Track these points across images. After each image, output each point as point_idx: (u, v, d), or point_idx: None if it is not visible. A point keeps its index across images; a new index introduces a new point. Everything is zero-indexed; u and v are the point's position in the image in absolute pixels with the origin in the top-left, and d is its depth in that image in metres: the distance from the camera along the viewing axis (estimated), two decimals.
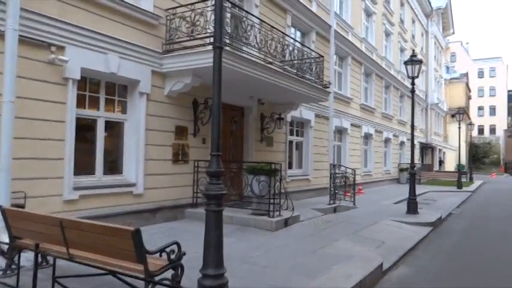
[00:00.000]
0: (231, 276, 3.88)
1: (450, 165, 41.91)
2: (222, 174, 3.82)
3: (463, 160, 31.76)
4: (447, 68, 48.99)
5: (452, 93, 48.70)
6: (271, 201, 7.72)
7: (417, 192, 11.36)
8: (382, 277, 5.53)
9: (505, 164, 62.17)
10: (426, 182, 24.95)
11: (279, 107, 11.34)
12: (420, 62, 11.50)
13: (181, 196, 8.20)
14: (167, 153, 7.99)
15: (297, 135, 13.42)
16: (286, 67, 9.46)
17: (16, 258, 4.17)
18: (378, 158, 20.83)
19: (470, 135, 38.28)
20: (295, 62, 10.08)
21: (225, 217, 4.01)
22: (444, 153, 42.15)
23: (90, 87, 6.89)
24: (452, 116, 41.09)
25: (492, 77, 74.64)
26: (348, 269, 5.22)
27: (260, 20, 8.67)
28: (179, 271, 3.47)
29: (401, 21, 25.13)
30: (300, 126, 13.56)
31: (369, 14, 19.69)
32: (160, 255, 3.39)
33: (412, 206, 10.78)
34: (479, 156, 60.90)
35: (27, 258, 4.42)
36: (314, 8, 13.67)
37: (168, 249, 3.39)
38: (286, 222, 7.89)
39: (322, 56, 11.06)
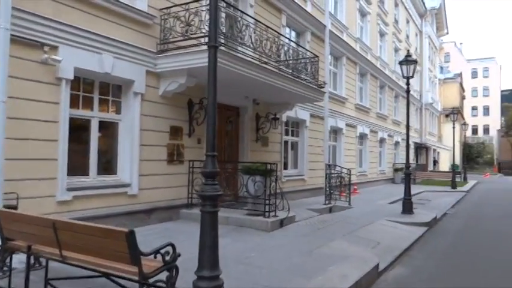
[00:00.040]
0: (226, 277, 3.85)
1: (444, 165, 42.11)
2: (217, 174, 3.79)
3: (457, 160, 31.91)
4: (441, 68, 49.25)
5: (446, 93, 48.96)
6: (267, 201, 7.69)
7: (412, 192, 11.39)
8: (378, 277, 5.52)
9: (499, 164, 62.67)
10: (421, 182, 25.03)
11: (274, 107, 11.32)
12: (415, 62, 11.53)
13: (176, 197, 8.16)
14: (162, 153, 7.94)
15: (292, 135, 13.40)
16: (281, 67, 9.43)
17: (8, 260, 4.11)
18: (372, 158, 20.87)
19: (464, 135, 38.49)
20: (291, 62, 10.07)
21: (221, 218, 3.97)
22: (438, 153, 42.34)
23: (84, 87, 6.82)
24: (447, 116, 41.37)
25: (486, 77, 75.23)
26: (344, 270, 5.20)
27: (255, 19, 8.64)
28: (174, 273, 3.43)
29: (396, 22, 25.22)
30: (295, 126, 13.55)
31: (363, 14, 19.73)
32: (155, 257, 3.35)
33: (408, 206, 10.80)
34: (473, 156, 61.25)
35: (19, 260, 4.36)
36: (309, 8, 13.67)
37: (162, 251, 3.35)
38: (282, 223, 7.87)
39: (317, 56, 11.05)
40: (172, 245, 3.43)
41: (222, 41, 7.33)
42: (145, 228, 7.05)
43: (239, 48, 7.78)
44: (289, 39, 10.68)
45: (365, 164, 19.88)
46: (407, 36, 28.36)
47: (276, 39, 9.07)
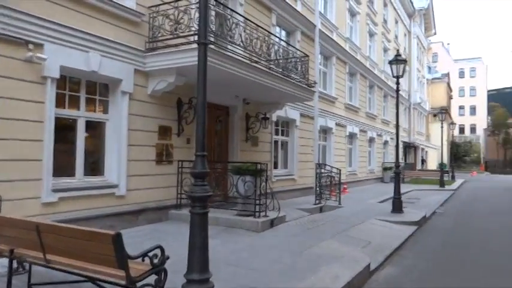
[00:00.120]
0: (216, 279, 3.78)
1: (432, 164, 42.52)
2: (207, 175, 3.71)
3: (445, 159, 32.22)
4: (429, 68, 49.70)
5: (434, 93, 49.47)
6: (257, 201, 7.62)
7: (401, 191, 11.43)
8: (369, 277, 5.49)
9: (485, 162, 63.58)
10: (410, 181, 25.23)
11: (264, 107, 11.26)
12: (405, 61, 11.57)
13: (165, 197, 8.04)
14: (150, 153, 7.82)
15: (282, 134, 13.36)
16: (271, 66, 9.38)
17: None
18: (362, 158, 20.95)
19: (452, 135, 38.86)
20: (281, 61, 10.01)
21: (210, 218, 3.89)
22: (426, 152, 42.72)
23: (70, 86, 6.67)
24: (435, 115, 41.78)
25: (472, 77, 76.25)
26: (336, 270, 5.16)
27: (245, 18, 8.57)
28: (163, 276, 3.35)
29: (385, 22, 25.35)
30: (285, 126, 13.51)
31: (353, 14, 19.78)
32: (143, 260, 3.26)
33: (397, 205, 10.83)
34: (460, 155, 62.01)
35: (1, 264, 4.22)
36: (299, 7, 13.63)
37: (150, 254, 3.26)
38: (272, 223, 7.81)
39: (307, 56, 11.02)
40: (161, 248, 3.34)
41: (212, 39, 7.25)
42: (134, 230, 6.93)
43: (229, 47, 7.70)
44: (280, 38, 10.64)
45: (355, 163, 19.94)
46: (396, 36, 28.55)
47: (266, 38, 9.01)
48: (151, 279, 3.26)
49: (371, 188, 19.11)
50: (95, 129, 7.25)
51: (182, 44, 7.27)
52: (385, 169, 23.85)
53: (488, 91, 77.59)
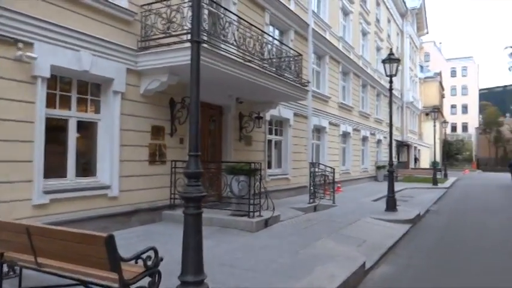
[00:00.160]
0: (211, 281, 3.73)
1: (425, 162, 42.74)
2: (201, 175, 3.66)
3: (438, 157, 32.39)
4: (421, 67, 49.98)
5: (426, 91, 49.76)
6: (251, 201, 7.58)
7: (395, 190, 11.44)
8: (364, 276, 5.47)
9: (477, 160, 64.09)
10: (403, 179, 25.32)
11: (258, 106, 11.22)
12: (398, 60, 11.60)
13: (158, 198, 7.97)
14: (143, 153, 7.74)
15: (276, 134, 13.33)
16: (265, 65, 9.33)
17: None
18: (355, 156, 20.99)
19: (444, 133, 39.16)
20: (274, 60, 9.98)
21: (204, 219, 3.84)
22: (419, 150, 42.95)
23: (61, 85, 6.58)
24: (427, 114, 42.04)
25: (464, 76, 76.87)
26: (331, 269, 5.13)
27: (238, 17, 8.51)
28: (156, 278, 3.30)
29: (378, 21, 25.42)
30: (279, 125, 13.48)
31: (346, 13, 19.80)
32: (136, 262, 3.21)
33: (391, 203, 10.85)
34: (452, 153, 62.49)
35: None
36: (292, 6, 13.60)
37: (144, 256, 3.21)
38: (267, 223, 7.77)
39: (300, 55, 10.99)
40: (154, 249, 3.29)
41: (205, 38, 7.19)
42: (127, 231, 6.86)
43: (222, 46, 7.64)
44: (273, 38, 10.60)
45: (348, 162, 19.97)
46: (389, 36, 28.65)
47: (260, 37, 8.96)
48: (145, 281, 3.21)
49: (365, 187, 19.15)
50: (87, 129, 7.16)
51: (175, 43, 7.20)
52: (378, 168, 23.92)
53: (480, 90, 78.30)
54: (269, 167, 12.59)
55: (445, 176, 30.17)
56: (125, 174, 7.27)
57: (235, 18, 8.20)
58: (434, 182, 22.39)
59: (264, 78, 8.89)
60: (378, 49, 25.54)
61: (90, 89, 7.07)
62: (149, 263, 3.23)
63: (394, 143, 29.48)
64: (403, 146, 34.44)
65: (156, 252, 3.28)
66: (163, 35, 7.32)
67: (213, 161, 9.58)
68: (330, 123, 17.35)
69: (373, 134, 24.15)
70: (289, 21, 13.46)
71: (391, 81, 11.52)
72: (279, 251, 6.02)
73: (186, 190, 3.59)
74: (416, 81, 41.84)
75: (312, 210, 10.83)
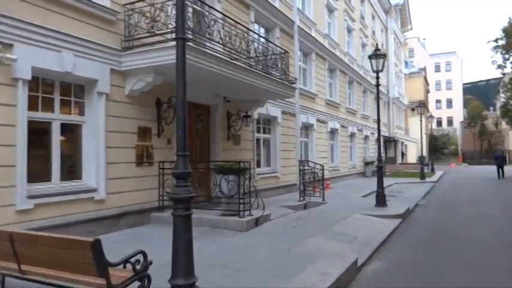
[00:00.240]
0: (202, 283, 3.65)
1: (412, 157, 43.17)
2: (189, 175, 3.58)
3: (424, 152, 32.74)
4: (406, 63, 50.44)
5: (411, 87, 50.22)
6: (241, 200, 7.51)
7: (384, 185, 11.49)
8: (357, 273, 5.45)
9: (463, 154, 64.96)
10: (391, 175, 25.52)
11: (246, 105, 11.14)
12: (384, 55, 11.65)
13: (146, 200, 7.84)
14: (130, 155, 7.61)
15: (264, 132, 13.27)
16: (252, 63, 9.26)
17: None
18: (344, 153, 21.07)
19: (430, 128, 39.58)
20: (261, 58, 9.91)
21: (194, 219, 3.75)
22: (406, 145, 43.35)
23: (43, 88, 6.41)
24: (413, 109, 42.42)
25: (448, 71, 77.84)
26: (324, 267, 5.09)
27: (223, 15, 8.42)
28: (146, 283, 3.22)
29: (362, 17, 25.54)
30: (267, 124, 13.43)
31: (331, 10, 19.83)
32: (125, 266, 3.12)
33: (381, 199, 10.88)
34: (438, 148, 63.22)
35: None
36: (277, 4, 13.55)
37: (132, 259, 3.13)
38: (257, 222, 7.71)
39: (287, 52, 10.94)
40: (143, 253, 3.21)
41: (190, 36, 7.09)
42: (115, 234, 6.73)
43: (208, 44, 7.55)
44: (259, 35, 10.53)
45: (337, 159, 20.02)
46: (374, 32, 28.82)
47: (246, 35, 8.88)
48: (134, 286, 3.12)
49: (354, 183, 19.23)
50: (71, 132, 7.00)
51: (159, 42, 7.09)
52: (366, 164, 24.06)
53: (464, 84, 79.40)
54: (258, 165, 12.53)
55: (432, 170, 30.51)
56: (112, 177, 7.14)
57: (220, 16, 8.10)
58: (422, 176, 22.61)
59: (250, 76, 8.82)
60: (363, 45, 25.68)
61: (74, 91, 6.92)
62: (138, 267, 3.14)
63: (381, 139, 29.80)
64: (390, 141, 34.73)
65: (145, 255, 3.19)
66: (148, 34, 7.20)
67: (201, 160, 9.48)
68: (318, 121, 17.36)
69: (360, 130, 24.27)
70: (274, 18, 13.40)
71: (377, 77, 11.55)
72: (270, 250, 5.96)
73: (175, 191, 3.51)
74: (401, 77, 42.21)
75: (302, 208, 10.81)
